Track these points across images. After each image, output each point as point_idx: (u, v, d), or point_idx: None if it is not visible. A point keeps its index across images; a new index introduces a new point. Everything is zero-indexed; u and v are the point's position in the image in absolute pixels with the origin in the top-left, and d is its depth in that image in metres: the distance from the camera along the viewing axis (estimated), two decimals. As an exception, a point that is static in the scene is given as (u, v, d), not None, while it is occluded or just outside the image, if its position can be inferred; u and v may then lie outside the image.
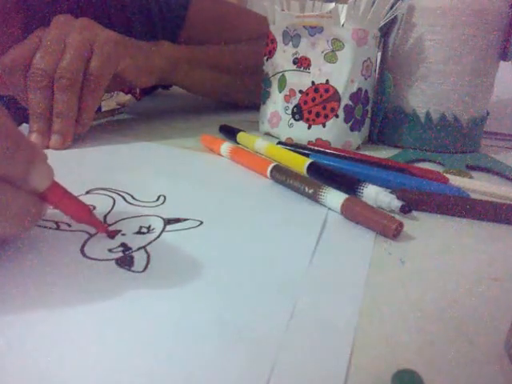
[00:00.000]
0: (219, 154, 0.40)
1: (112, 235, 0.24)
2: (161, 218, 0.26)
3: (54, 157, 0.37)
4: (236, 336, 0.17)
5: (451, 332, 0.18)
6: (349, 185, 0.31)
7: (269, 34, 0.46)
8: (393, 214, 0.27)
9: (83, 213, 0.23)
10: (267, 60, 0.47)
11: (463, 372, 0.16)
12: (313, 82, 0.43)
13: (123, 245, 0.23)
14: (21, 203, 0.19)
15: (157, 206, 0.28)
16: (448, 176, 0.35)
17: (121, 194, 0.29)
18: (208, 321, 0.18)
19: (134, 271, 0.21)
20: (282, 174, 0.33)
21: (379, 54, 0.48)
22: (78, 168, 0.35)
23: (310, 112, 0.43)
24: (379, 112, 0.47)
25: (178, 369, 0.15)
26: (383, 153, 0.45)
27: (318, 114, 0.43)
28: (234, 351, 0.16)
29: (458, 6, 0.41)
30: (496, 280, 0.22)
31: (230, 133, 0.45)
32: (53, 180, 0.21)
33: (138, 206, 0.28)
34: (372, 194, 0.29)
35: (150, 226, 0.25)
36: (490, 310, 0.20)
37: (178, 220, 0.26)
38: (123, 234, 0.24)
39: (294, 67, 0.44)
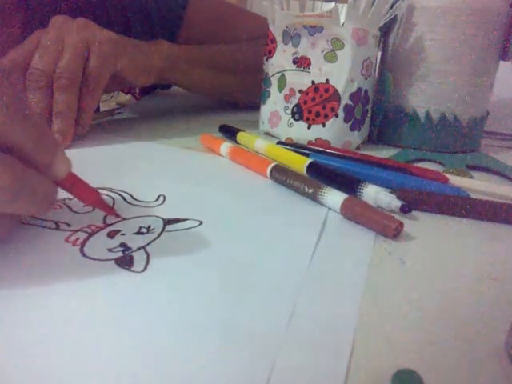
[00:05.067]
0: (219, 154, 0.40)
1: (119, 217, 0.25)
2: (160, 218, 0.26)
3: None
4: (236, 336, 0.17)
5: (451, 332, 0.18)
6: (349, 185, 0.31)
7: (269, 33, 0.46)
8: (393, 214, 0.27)
9: (93, 196, 0.24)
10: (267, 60, 0.47)
11: (463, 372, 0.16)
12: (313, 82, 0.43)
13: (123, 245, 0.23)
14: (44, 188, 0.20)
15: (156, 206, 0.28)
16: (448, 176, 0.35)
17: (120, 193, 0.29)
18: (208, 321, 0.18)
19: (133, 271, 0.21)
20: (281, 174, 0.33)
21: (379, 53, 0.48)
22: (78, 168, 0.35)
23: (309, 112, 0.43)
24: (379, 111, 0.47)
25: (178, 369, 0.15)
26: (383, 152, 0.45)
27: (317, 114, 0.43)
28: (234, 351, 0.16)
29: (458, 6, 0.41)
30: (496, 280, 0.22)
31: (229, 132, 0.45)
32: (71, 168, 0.23)
33: (138, 205, 0.28)
34: (372, 193, 0.29)
35: (149, 226, 0.25)
36: (490, 309, 0.20)
37: (177, 220, 0.26)
38: (123, 234, 0.24)
39: (294, 67, 0.44)
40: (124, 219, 0.26)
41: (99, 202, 0.24)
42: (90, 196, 0.24)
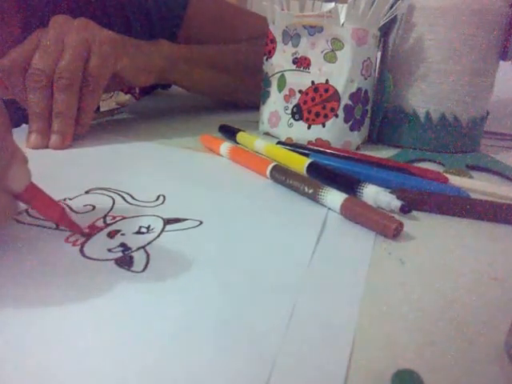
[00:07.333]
0: (219, 154, 0.40)
1: (87, 234, 0.24)
2: (160, 217, 0.26)
3: (53, 157, 0.37)
4: (236, 336, 0.17)
5: (451, 332, 0.18)
6: (349, 185, 0.31)
7: (268, 33, 0.46)
8: (393, 214, 0.27)
9: (55, 212, 0.23)
10: (267, 60, 0.47)
11: (463, 372, 0.16)
12: (312, 82, 0.43)
13: (123, 245, 0.23)
14: None
15: (156, 205, 0.28)
16: (448, 176, 0.35)
17: (120, 193, 0.29)
18: (208, 321, 0.18)
19: (133, 271, 0.21)
20: (281, 174, 0.33)
21: (379, 53, 0.48)
22: (78, 168, 0.35)
23: (309, 112, 0.43)
24: (379, 112, 0.47)
25: (178, 369, 0.15)
26: (383, 153, 0.45)
27: (317, 114, 0.43)
28: (234, 351, 0.16)
29: (458, 6, 0.41)
30: (496, 280, 0.22)
31: (229, 133, 0.45)
32: (29, 181, 0.21)
33: (138, 205, 0.28)
34: (372, 193, 0.29)
35: (149, 226, 0.25)
36: (490, 310, 0.20)
37: (177, 220, 0.26)
38: (123, 234, 0.24)
39: (294, 67, 0.44)
40: (124, 219, 0.26)
41: (62, 219, 0.23)
42: (52, 212, 0.23)
